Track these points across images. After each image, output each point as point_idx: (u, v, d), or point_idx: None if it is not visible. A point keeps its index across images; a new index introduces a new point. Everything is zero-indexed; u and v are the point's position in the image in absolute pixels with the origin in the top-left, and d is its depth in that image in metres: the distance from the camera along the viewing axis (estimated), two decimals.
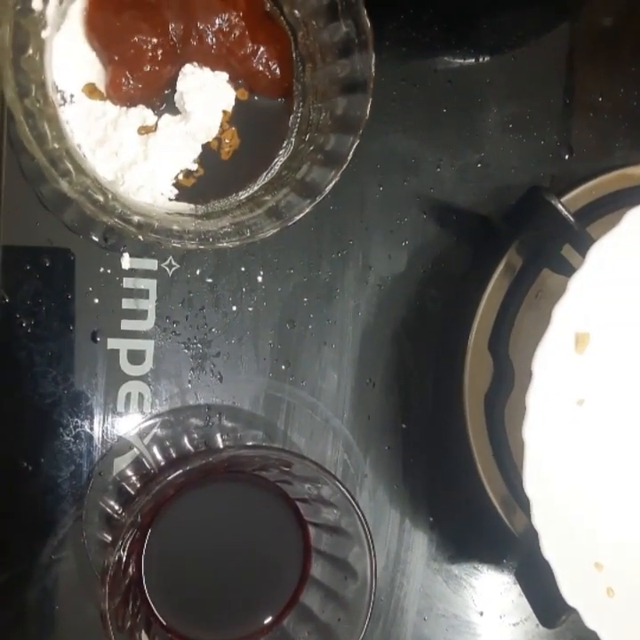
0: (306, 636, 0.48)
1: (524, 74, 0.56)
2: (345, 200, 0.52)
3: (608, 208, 0.53)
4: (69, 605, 0.49)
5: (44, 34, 0.41)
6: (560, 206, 0.48)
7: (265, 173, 0.48)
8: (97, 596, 0.41)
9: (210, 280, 0.50)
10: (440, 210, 0.54)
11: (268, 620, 0.49)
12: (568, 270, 0.48)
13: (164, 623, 0.47)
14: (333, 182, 0.43)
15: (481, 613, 0.57)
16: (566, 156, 0.56)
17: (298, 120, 0.48)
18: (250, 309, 0.51)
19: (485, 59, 0.55)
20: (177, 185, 0.46)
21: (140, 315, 0.49)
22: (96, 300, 0.48)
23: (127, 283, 0.49)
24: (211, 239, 0.42)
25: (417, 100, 0.53)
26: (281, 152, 0.48)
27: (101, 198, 0.41)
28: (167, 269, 0.49)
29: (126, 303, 0.49)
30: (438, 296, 0.55)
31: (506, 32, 0.56)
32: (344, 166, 0.43)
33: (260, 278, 0.51)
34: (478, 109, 0.55)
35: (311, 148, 0.46)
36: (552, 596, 0.47)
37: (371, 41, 0.43)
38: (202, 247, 0.41)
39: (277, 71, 0.47)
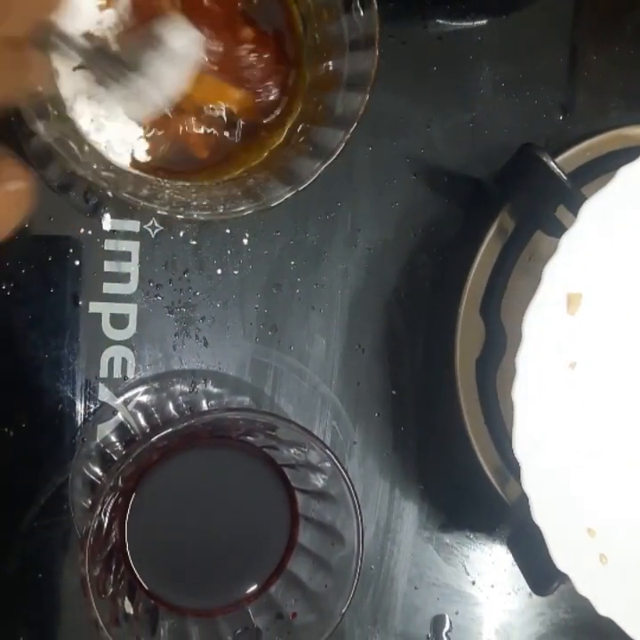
0: (293, 604, 0.47)
1: (518, 32, 0.55)
2: (333, 160, 0.51)
3: (603, 169, 0.52)
4: (53, 573, 0.49)
5: None
6: (552, 164, 0.47)
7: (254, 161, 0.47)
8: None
9: (194, 242, 0.49)
10: (430, 171, 0.53)
11: (254, 588, 0.48)
12: (561, 232, 0.47)
13: (148, 590, 0.46)
14: (317, 174, 0.42)
15: (473, 582, 0.56)
16: (560, 117, 0.55)
17: (296, 113, 0.47)
18: (235, 273, 0.50)
19: (477, 16, 0.54)
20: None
21: (122, 278, 0.48)
22: (77, 263, 0.47)
23: (109, 245, 0.48)
24: (182, 208, 0.41)
25: (406, 58, 0.52)
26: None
27: (76, 148, 0.40)
28: (150, 231, 0.48)
29: (108, 266, 0.48)
30: (429, 260, 0.53)
31: None
32: (330, 160, 0.42)
33: (245, 241, 0.50)
34: (470, 68, 0.54)
35: (302, 139, 0.46)
36: (543, 564, 0.46)
37: (377, 40, 0.42)
38: (178, 216, 0.40)
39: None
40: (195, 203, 0.42)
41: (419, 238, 0.53)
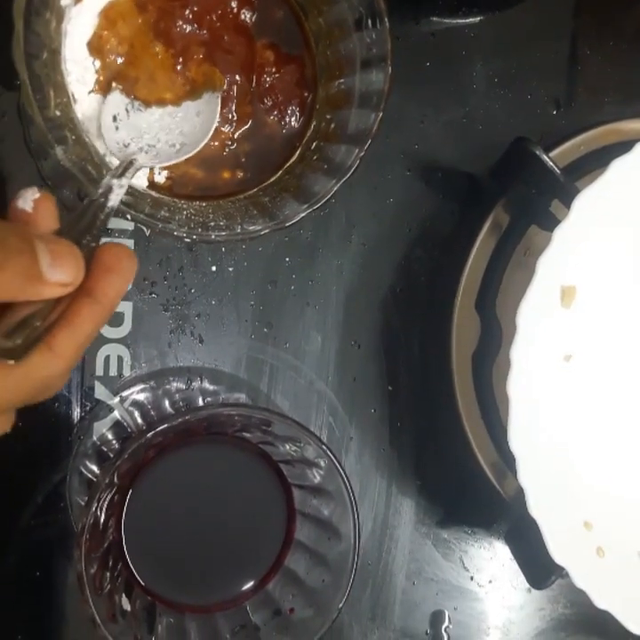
0: (290, 599, 0.47)
1: (510, 28, 0.55)
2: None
3: (597, 163, 0.52)
4: (51, 570, 0.49)
5: (63, 1, 0.40)
6: (545, 157, 0.47)
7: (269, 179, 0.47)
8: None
9: (188, 240, 0.49)
10: (425, 167, 0.53)
11: (251, 584, 0.48)
12: (556, 226, 0.47)
13: (145, 586, 0.46)
14: (333, 191, 0.42)
15: (471, 578, 0.56)
16: (554, 111, 0.55)
17: (310, 130, 0.47)
18: (230, 270, 0.50)
19: (470, 12, 0.54)
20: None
21: None
22: None
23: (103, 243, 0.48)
24: (200, 229, 0.41)
25: (398, 54, 0.51)
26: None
27: (94, 171, 0.40)
28: (144, 229, 0.48)
29: None
30: (424, 255, 0.53)
31: None
32: (346, 177, 0.42)
33: (243, 241, 0.50)
34: (463, 63, 0.54)
35: (315, 156, 0.46)
36: (541, 557, 0.46)
37: (389, 57, 0.43)
38: (195, 237, 0.40)
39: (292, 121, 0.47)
40: (212, 223, 0.42)
41: (413, 234, 0.53)
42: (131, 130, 0.43)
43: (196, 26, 0.45)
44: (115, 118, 0.43)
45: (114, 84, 0.43)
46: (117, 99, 0.43)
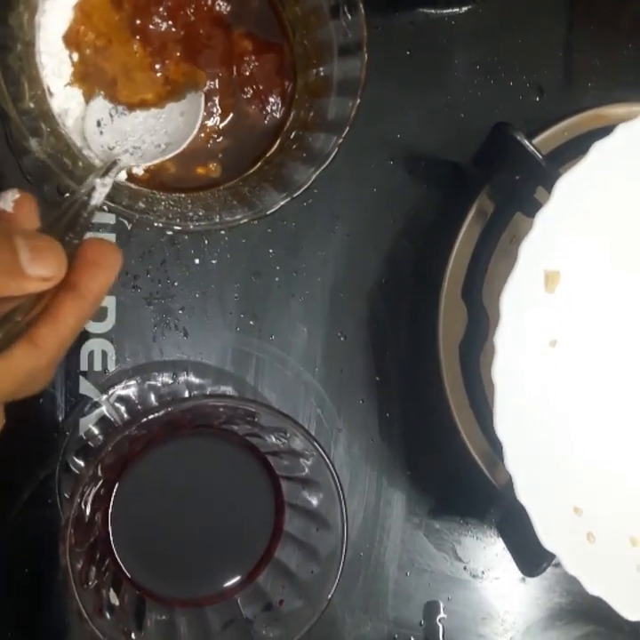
0: (280, 591, 0.47)
1: (491, 15, 0.55)
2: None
3: (581, 149, 0.51)
4: (40, 567, 0.49)
5: None
6: (526, 142, 0.47)
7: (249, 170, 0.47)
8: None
9: (170, 233, 0.49)
10: (408, 156, 0.53)
11: (241, 577, 0.48)
12: None
13: (134, 581, 0.46)
14: (312, 179, 0.42)
15: (465, 568, 0.56)
16: (537, 98, 0.55)
17: (289, 120, 0.47)
18: (213, 262, 0.50)
19: (450, 2, 0.54)
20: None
21: None
22: None
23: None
24: (178, 219, 0.41)
25: (379, 43, 0.51)
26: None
27: (70, 163, 0.40)
28: (125, 222, 0.48)
29: None
30: (409, 244, 0.53)
31: None
32: (325, 165, 0.42)
33: (222, 230, 0.50)
34: (444, 51, 0.54)
35: (295, 145, 0.46)
36: (532, 545, 0.46)
37: (365, 44, 0.43)
38: (175, 228, 0.41)
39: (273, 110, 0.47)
40: (191, 213, 0.43)
41: (398, 223, 0.53)
42: (115, 134, 0.43)
43: (171, 22, 0.45)
44: (99, 123, 0.43)
45: (96, 90, 0.43)
46: (100, 104, 0.44)
